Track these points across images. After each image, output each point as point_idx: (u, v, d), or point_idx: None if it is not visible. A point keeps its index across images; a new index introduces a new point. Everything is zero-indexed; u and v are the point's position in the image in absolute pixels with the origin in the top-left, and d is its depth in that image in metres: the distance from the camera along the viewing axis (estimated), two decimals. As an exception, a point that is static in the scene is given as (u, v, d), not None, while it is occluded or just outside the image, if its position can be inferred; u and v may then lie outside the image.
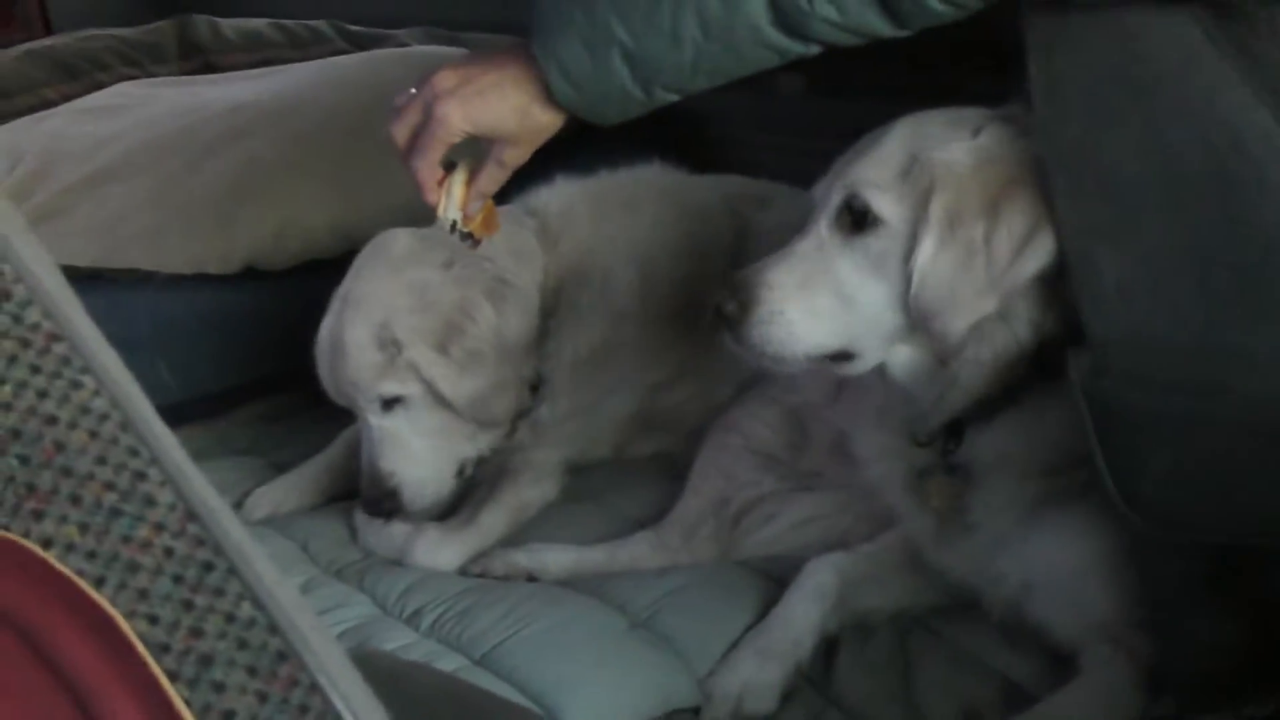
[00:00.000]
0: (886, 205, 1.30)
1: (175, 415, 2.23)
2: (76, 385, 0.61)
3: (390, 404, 1.81)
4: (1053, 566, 1.38)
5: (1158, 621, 1.35)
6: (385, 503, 1.82)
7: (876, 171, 1.32)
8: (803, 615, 1.52)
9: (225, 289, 2.26)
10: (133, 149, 2.42)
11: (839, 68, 1.28)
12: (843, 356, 1.36)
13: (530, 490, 1.87)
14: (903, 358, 1.36)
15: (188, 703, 0.57)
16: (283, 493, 2.00)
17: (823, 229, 1.34)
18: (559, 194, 2.04)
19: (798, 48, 1.18)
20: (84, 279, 2.18)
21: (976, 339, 1.30)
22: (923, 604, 1.56)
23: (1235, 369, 1.07)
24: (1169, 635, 1.35)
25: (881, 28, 1.13)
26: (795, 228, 1.42)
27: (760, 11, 1.13)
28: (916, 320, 1.31)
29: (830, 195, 1.35)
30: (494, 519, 1.83)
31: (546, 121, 1.26)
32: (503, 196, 2.04)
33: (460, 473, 1.88)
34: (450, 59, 1.35)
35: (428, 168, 1.30)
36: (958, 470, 1.41)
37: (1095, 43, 1.11)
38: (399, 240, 1.87)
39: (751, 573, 1.69)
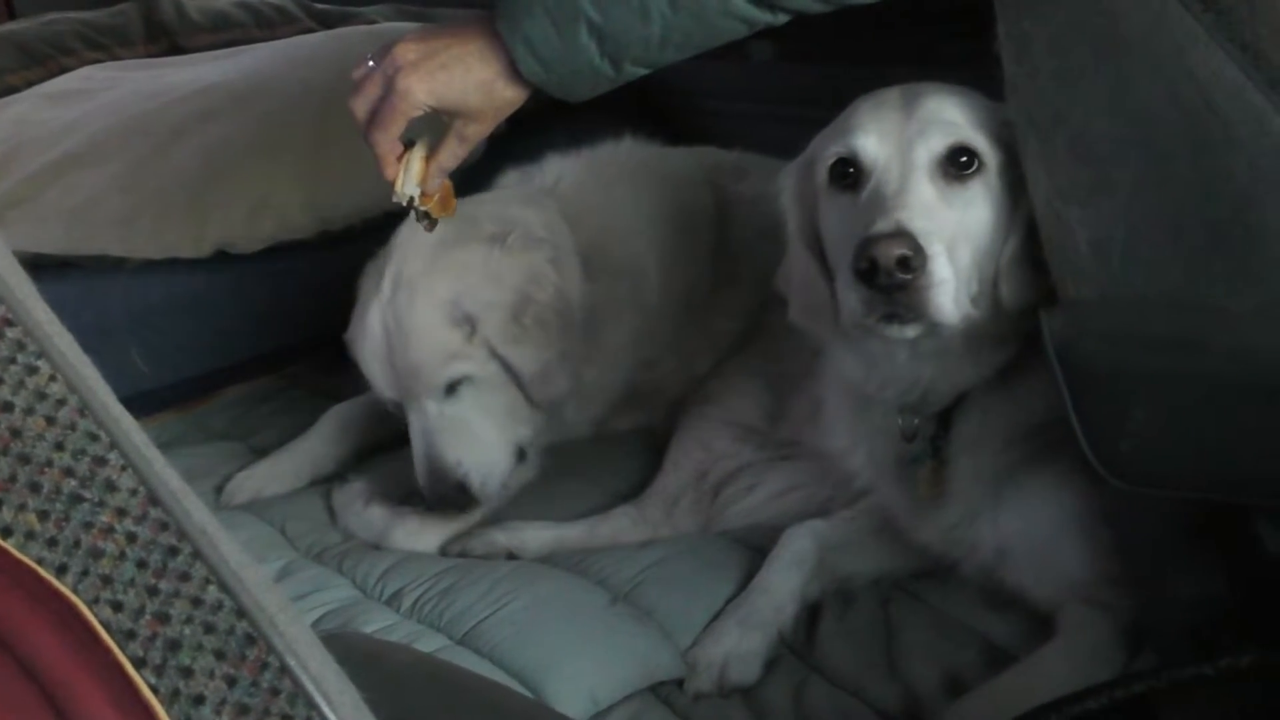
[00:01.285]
0: (987, 149, 1.28)
1: (152, 401, 2.23)
2: (32, 370, 0.59)
3: (453, 387, 1.73)
4: (1024, 532, 1.39)
5: (1138, 577, 1.36)
6: (454, 497, 1.72)
7: (963, 118, 1.29)
8: (783, 583, 1.53)
9: (198, 273, 2.24)
10: (100, 134, 2.39)
11: (809, 33, 1.27)
12: None
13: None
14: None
15: (155, 689, 0.56)
16: (264, 477, 1.98)
17: (923, 180, 1.26)
18: (564, 172, 1.99)
19: (766, 17, 1.16)
20: (54, 267, 2.17)
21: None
22: (902, 568, 1.57)
23: (1210, 325, 1.07)
24: (1149, 591, 1.36)
25: (850, -6, 1.12)
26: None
27: None
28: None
29: (917, 145, 1.27)
30: None
31: (511, 97, 1.25)
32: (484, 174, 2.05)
33: (520, 456, 1.80)
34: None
35: (387, 142, 1.28)
36: (940, 453, 1.41)
37: (1063, 2, 1.10)
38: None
39: (732, 543, 1.70)
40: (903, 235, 1.20)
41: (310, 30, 2.95)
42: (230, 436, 2.19)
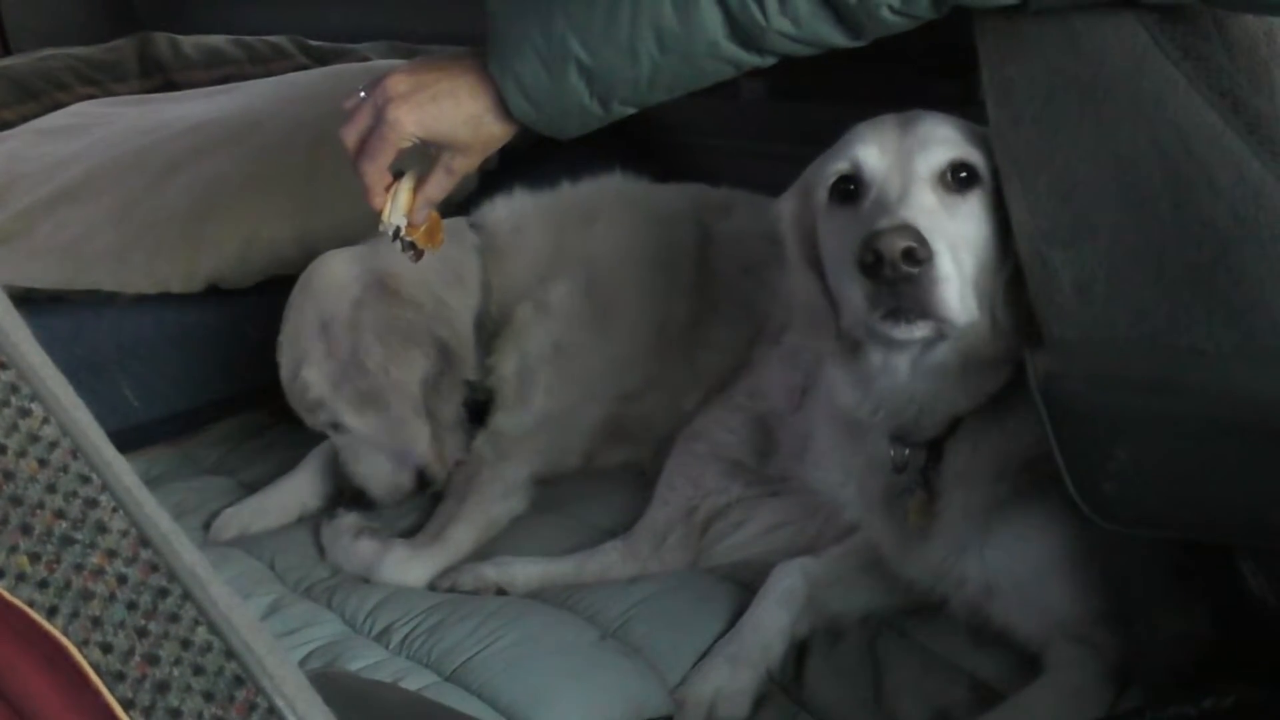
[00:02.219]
0: (983, 165, 1.29)
1: (141, 435, 2.25)
2: (25, 413, 0.60)
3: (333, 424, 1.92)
4: (1012, 568, 1.39)
5: (1123, 615, 1.36)
6: (359, 498, 1.94)
7: (959, 136, 1.31)
8: (772, 620, 1.53)
9: (189, 308, 2.25)
10: (93, 169, 2.40)
11: (800, 72, 1.28)
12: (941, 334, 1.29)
13: (498, 505, 1.88)
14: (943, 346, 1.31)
15: (143, 730, 0.57)
16: (252, 513, 1.99)
17: (925, 190, 1.27)
18: (512, 208, 2.05)
19: (754, 60, 1.18)
20: (46, 301, 2.17)
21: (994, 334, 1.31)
22: (891, 605, 1.57)
23: (1192, 366, 1.08)
24: (1134, 629, 1.36)
25: (837, 39, 1.14)
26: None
27: (716, 26, 1.13)
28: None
29: (917, 158, 1.29)
30: (462, 535, 1.83)
31: (499, 132, 1.26)
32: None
33: (420, 476, 1.95)
34: None
35: (376, 171, 1.29)
36: (930, 485, 1.42)
37: (1046, 49, 1.11)
38: (327, 269, 1.94)
39: (721, 580, 1.70)
40: (907, 228, 1.21)
41: (304, 67, 2.97)
42: (219, 471, 2.19)
